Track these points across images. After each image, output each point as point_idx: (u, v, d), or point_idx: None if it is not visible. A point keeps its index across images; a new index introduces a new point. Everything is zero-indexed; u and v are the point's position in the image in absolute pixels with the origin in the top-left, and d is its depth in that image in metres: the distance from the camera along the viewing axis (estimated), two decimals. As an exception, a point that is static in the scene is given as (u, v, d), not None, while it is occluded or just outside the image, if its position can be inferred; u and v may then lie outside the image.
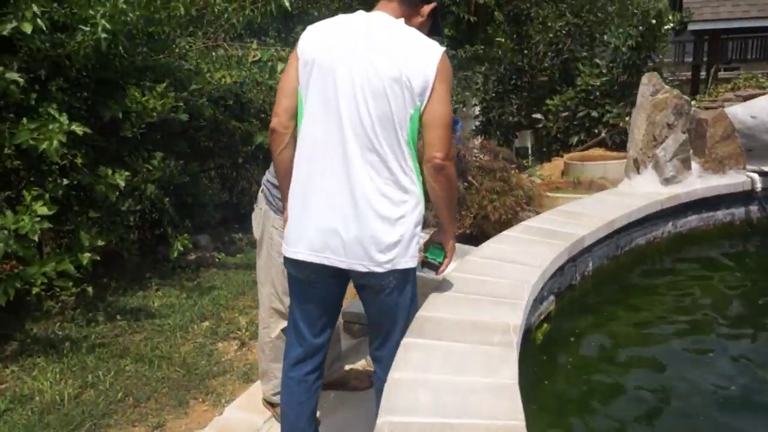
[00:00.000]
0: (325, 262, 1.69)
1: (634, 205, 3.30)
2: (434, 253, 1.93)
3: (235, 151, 5.16)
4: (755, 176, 3.78)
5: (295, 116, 1.73)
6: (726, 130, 3.72)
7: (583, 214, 3.16)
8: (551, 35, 8.07)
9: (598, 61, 7.49)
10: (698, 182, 3.70)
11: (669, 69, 8.78)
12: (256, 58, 4.61)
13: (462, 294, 2.14)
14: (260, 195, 2.31)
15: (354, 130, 1.63)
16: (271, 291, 2.31)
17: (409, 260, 1.72)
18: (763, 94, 4.54)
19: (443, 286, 2.22)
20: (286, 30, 6.24)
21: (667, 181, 3.61)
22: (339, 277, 1.76)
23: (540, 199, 4.88)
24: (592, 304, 2.96)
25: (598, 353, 2.63)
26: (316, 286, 1.79)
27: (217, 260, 4.35)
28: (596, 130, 6.95)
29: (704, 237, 3.77)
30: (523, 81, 8.50)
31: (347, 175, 1.65)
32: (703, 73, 12.01)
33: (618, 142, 6.68)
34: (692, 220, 3.73)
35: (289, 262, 1.77)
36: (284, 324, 2.18)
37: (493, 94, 8.98)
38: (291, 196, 1.77)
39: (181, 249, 3.65)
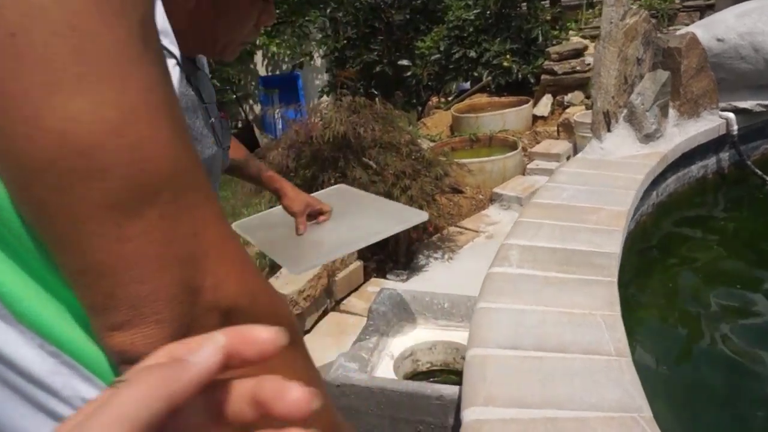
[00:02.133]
0: None
1: (633, 185, 2.28)
2: None
3: None
4: (731, 116, 2.97)
5: None
6: (700, 61, 2.83)
7: (584, 209, 2.06)
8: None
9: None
10: (677, 133, 2.80)
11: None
12: None
13: None
14: None
15: None
16: None
17: None
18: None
19: None
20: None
21: (647, 138, 2.64)
22: None
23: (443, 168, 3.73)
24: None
25: None
26: None
27: None
28: (476, 73, 5.98)
29: (683, 201, 2.91)
30: (381, 22, 7.21)
31: None
32: None
33: (503, 85, 5.78)
34: (670, 184, 2.84)
35: None
36: None
37: (345, 41, 7.61)
38: None
39: None
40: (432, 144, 4.73)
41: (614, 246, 1.79)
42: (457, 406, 1.40)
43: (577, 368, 1.26)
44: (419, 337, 1.80)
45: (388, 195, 3.07)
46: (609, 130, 2.65)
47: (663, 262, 2.38)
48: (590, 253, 1.74)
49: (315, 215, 1.45)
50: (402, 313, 1.85)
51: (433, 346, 1.79)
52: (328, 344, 2.69)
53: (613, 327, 1.39)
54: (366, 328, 1.75)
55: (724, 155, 3.12)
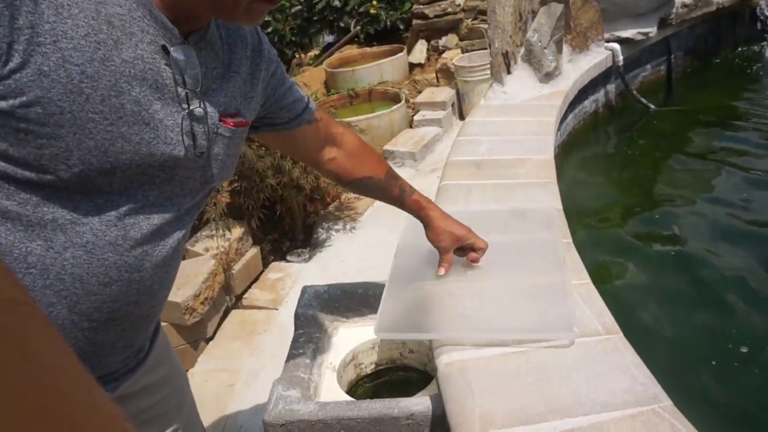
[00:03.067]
0: None
1: (548, 129, 2.15)
2: None
3: None
4: (616, 46, 2.95)
5: None
6: (584, -9, 2.74)
7: (508, 162, 1.89)
8: None
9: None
10: (571, 69, 2.71)
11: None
12: None
13: None
14: None
15: None
16: None
17: None
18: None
19: None
20: None
21: (547, 77, 2.52)
22: None
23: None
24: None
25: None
26: None
27: None
28: (342, 24, 5.62)
29: (582, 139, 2.88)
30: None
31: None
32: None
33: (372, 34, 5.50)
34: (569, 122, 2.78)
35: None
36: None
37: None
38: None
39: None
40: (310, 105, 4.38)
41: (556, 200, 1.63)
42: (432, 420, 1.18)
43: (569, 359, 1.07)
44: (358, 337, 1.54)
45: (278, 168, 2.73)
46: (509, 72, 2.49)
47: (585, 209, 2.30)
48: (533, 212, 1.57)
49: (466, 250, 1.24)
50: (333, 313, 1.57)
51: (374, 344, 1.54)
52: (238, 349, 2.35)
53: (591, 299, 1.22)
54: (296, 340, 1.45)
55: (611, 87, 3.13)
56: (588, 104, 2.95)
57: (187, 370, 2.26)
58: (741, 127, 2.99)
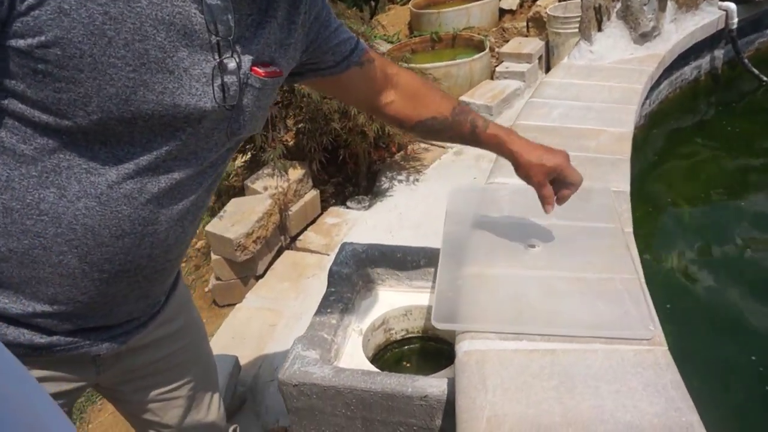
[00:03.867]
0: None
1: (633, 97, 1.94)
2: None
3: None
4: (732, 6, 2.60)
5: None
6: (702, -60, 2.40)
7: (581, 132, 1.73)
8: None
9: None
10: (673, 30, 2.42)
11: None
12: None
13: None
14: None
15: None
16: None
17: None
18: None
19: None
20: None
21: (643, 37, 2.27)
22: None
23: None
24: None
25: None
26: None
27: None
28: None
29: (675, 110, 2.60)
30: None
31: None
32: None
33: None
34: (663, 90, 2.51)
35: None
36: None
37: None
38: None
39: None
40: (390, 46, 4.23)
41: (623, 182, 1.47)
42: (446, 404, 1.13)
43: (600, 367, 0.97)
44: (391, 301, 1.50)
45: (344, 113, 2.66)
46: (600, 29, 2.26)
47: (656, 193, 2.10)
48: (598, 193, 1.42)
49: (560, 185, 1.08)
50: (369, 274, 1.53)
51: (408, 311, 1.49)
52: (286, 290, 2.39)
53: (637, 298, 1.10)
54: (326, 298, 1.43)
55: (719, 53, 2.79)
56: (688, 71, 2.66)
57: (235, 305, 2.33)
58: None
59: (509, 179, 1.53)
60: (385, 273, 1.52)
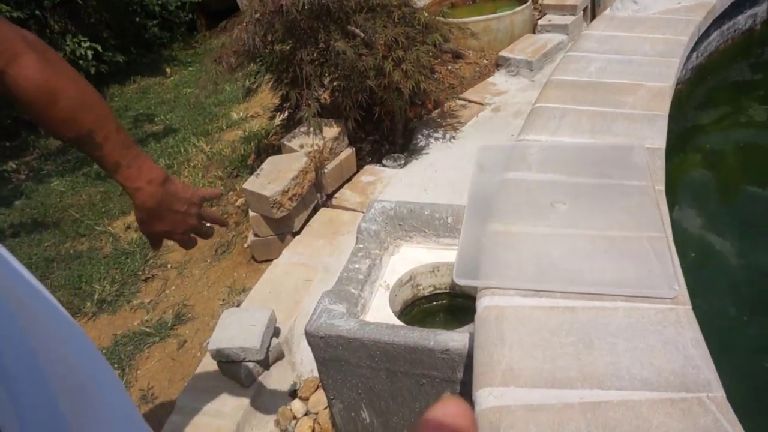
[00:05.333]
0: None
1: (676, 49, 1.85)
2: None
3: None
4: (793, -51, 2.42)
5: None
6: None
7: (618, 87, 1.67)
8: None
9: None
10: (726, -24, 2.28)
11: None
12: None
13: None
14: None
15: None
16: None
17: None
18: None
19: None
20: None
21: (692, -15, 2.14)
22: None
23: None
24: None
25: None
26: None
27: None
28: None
29: (724, 62, 2.47)
30: None
31: None
32: None
33: None
34: (713, 41, 2.38)
35: None
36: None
37: None
38: None
39: None
40: (428, 1, 4.13)
41: (659, 139, 1.43)
42: (467, 358, 1.15)
43: (620, 324, 0.97)
44: (419, 258, 1.52)
45: (379, 69, 2.64)
46: (645, -22, 2.15)
47: (695, 151, 2.02)
48: (630, 150, 1.39)
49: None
50: (397, 231, 1.55)
51: (435, 268, 1.51)
52: (321, 246, 2.44)
53: (663, 257, 1.08)
54: (354, 254, 1.46)
55: (777, 1, 2.61)
56: (742, 20, 2.51)
57: (272, 260, 2.40)
58: None
59: (540, 136, 1.51)
60: (413, 230, 1.54)
